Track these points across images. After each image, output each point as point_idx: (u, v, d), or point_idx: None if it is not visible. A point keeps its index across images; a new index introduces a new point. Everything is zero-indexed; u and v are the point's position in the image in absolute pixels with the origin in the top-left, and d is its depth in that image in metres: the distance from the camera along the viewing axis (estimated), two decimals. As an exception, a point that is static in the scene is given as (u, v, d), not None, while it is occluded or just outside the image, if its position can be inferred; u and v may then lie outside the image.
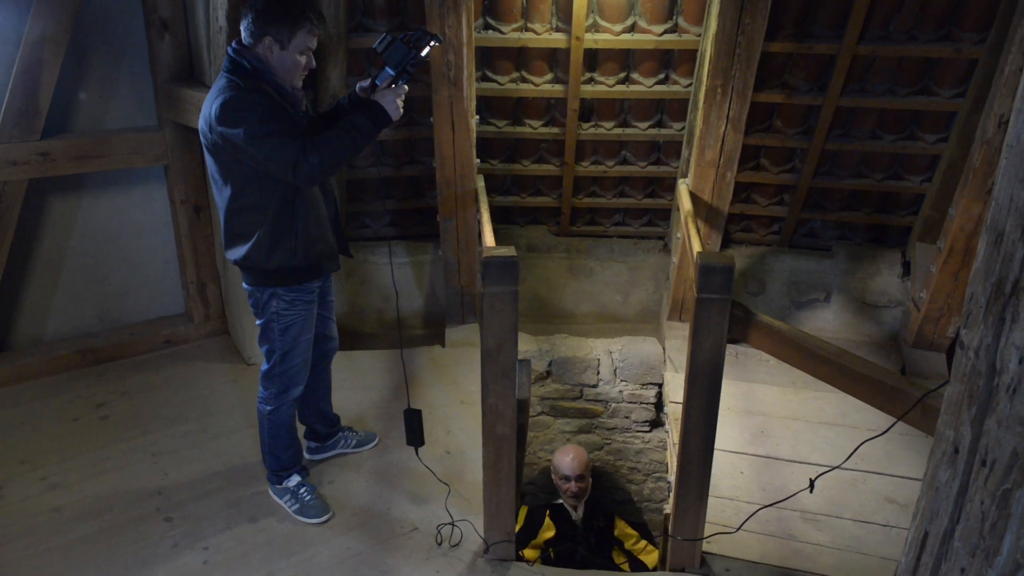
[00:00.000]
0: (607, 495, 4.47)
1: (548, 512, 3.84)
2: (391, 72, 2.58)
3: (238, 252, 2.63)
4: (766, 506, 2.92)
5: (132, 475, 3.15)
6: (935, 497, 1.44)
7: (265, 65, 2.49)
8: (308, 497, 2.95)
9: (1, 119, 3.38)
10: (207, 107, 2.45)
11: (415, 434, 2.92)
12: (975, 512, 1.31)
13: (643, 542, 3.87)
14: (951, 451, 1.37)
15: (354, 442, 3.33)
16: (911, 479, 3.26)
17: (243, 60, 2.47)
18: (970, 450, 1.32)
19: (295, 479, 2.98)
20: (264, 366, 2.84)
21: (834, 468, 2.66)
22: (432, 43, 2.61)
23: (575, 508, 3.84)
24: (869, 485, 3.24)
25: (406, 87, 2.62)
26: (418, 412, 2.91)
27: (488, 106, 4.33)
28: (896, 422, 2.31)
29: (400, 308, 4.61)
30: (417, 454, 2.95)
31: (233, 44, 2.50)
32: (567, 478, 3.79)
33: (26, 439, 3.36)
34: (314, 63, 2.58)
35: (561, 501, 3.87)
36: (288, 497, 2.97)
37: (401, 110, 2.60)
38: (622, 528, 3.89)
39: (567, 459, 3.82)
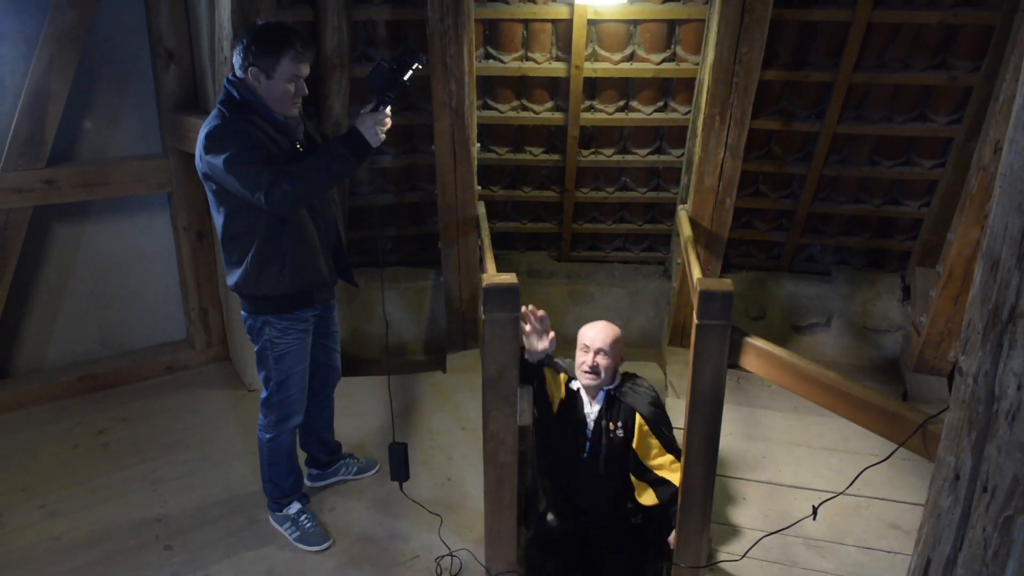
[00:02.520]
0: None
1: (565, 383, 3.02)
2: (373, 97, 2.53)
3: (232, 278, 2.65)
4: (770, 533, 2.90)
5: (132, 503, 3.14)
6: (937, 524, 1.43)
7: (255, 95, 2.50)
8: (308, 524, 2.94)
9: (7, 148, 3.42)
10: (199, 137, 2.50)
11: (399, 469, 2.88)
12: (977, 539, 1.31)
13: (667, 456, 2.93)
14: (952, 477, 1.38)
15: (355, 469, 3.31)
16: (914, 504, 3.24)
17: (234, 91, 2.50)
18: (971, 476, 1.32)
19: (295, 506, 2.97)
20: (263, 393, 2.84)
21: (837, 495, 2.65)
22: (416, 66, 2.52)
23: (591, 397, 2.96)
24: (872, 511, 3.22)
25: (387, 111, 2.52)
26: (403, 446, 2.88)
27: (489, 134, 4.37)
28: (897, 449, 2.31)
29: (401, 334, 4.62)
30: (402, 489, 2.92)
31: (229, 75, 2.54)
32: (586, 348, 2.91)
33: (26, 466, 3.35)
34: (306, 90, 2.57)
35: (577, 386, 2.98)
36: (288, 524, 2.95)
37: (381, 136, 2.51)
38: (643, 438, 2.91)
39: (592, 329, 2.96)
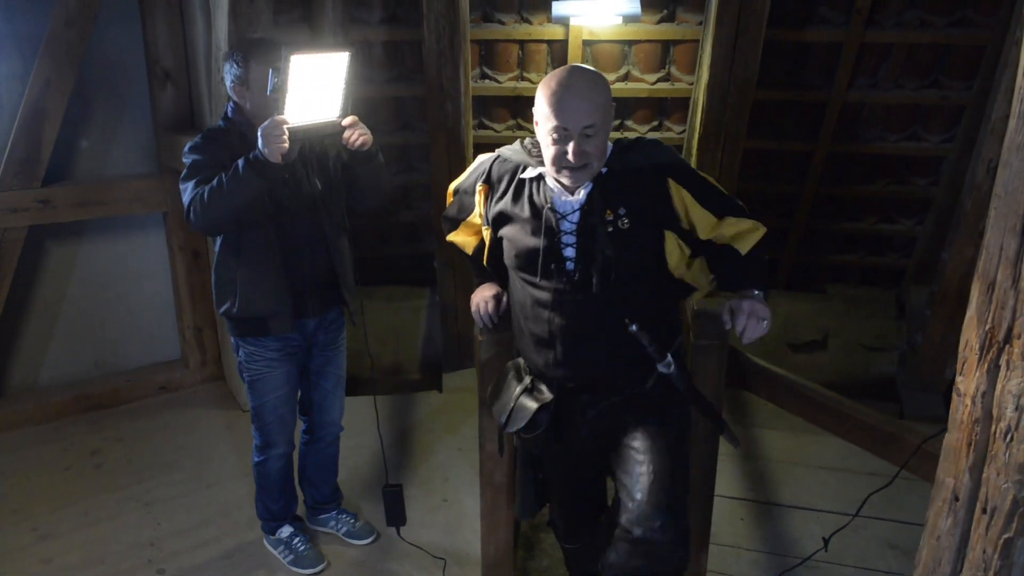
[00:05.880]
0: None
1: (507, 182, 1.98)
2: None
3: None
4: (781, 574, 2.88)
5: (124, 525, 3.11)
6: (936, 546, 1.43)
7: (239, 111, 2.45)
8: (302, 547, 2.90)
9: (3, 167, 3.42)
10: None
11: (395, 513, 2.76)
12: (977, 561, 1.30)
13: (730, 219, 1.90)
14: (951, 499, 1.37)
15: (344, 529, 3.02)
16: (913, 524, 3.22)
17: (228, 110, 2.48)
18: (970, 498, 1.32)
19: (287, 530, 2.92)
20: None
21: (848, 521, 2.62)
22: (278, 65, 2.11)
23: (568, 189, 1.88)
24: (870, 531, 3.20)
25: (283, 118, 2.17)
26: (398, 488, 2.78)
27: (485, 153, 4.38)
28: (900, 471, 2.30)
29: (396, 353, 4.60)
30: (399, 534, 2.83)
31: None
32: (562, 131, 1.79)
33: (18, 487, 3.32)
34: None
35: (536, 172, 1.93)
36: (282, 548, 2.92)
37: (279, 147, 2.17)
38: (686, 211, 1.87)
39: (568, 95, 1.79)
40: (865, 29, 3.64)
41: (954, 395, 1.37)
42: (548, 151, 1.84)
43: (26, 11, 3.36)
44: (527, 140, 2.02)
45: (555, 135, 1.80)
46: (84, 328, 3.94)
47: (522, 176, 1.96)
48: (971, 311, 1.31)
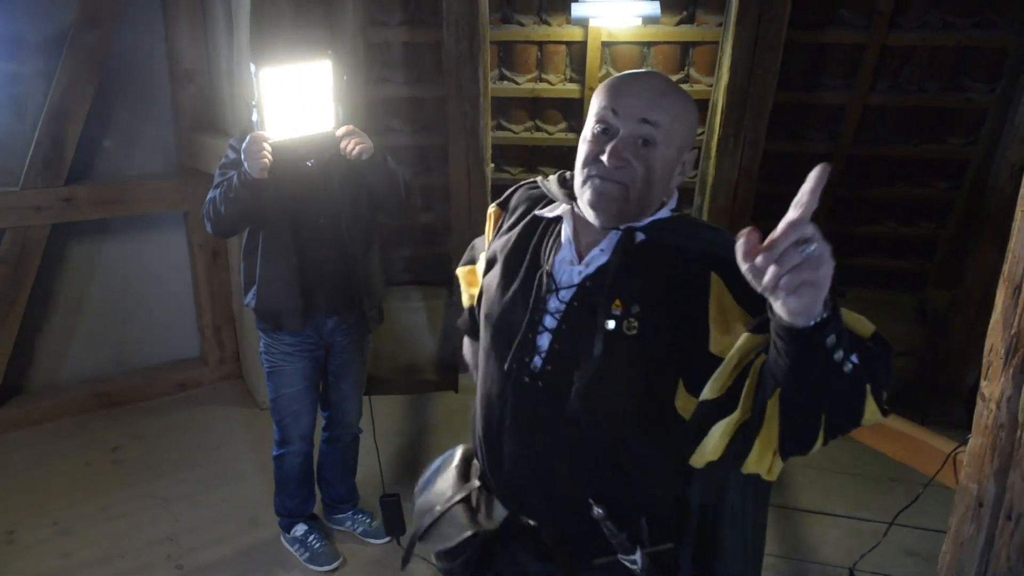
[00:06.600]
0: None
1: (521, 213, 1.49)
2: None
3: None
4: None
5: (143, 521, 3.14)
6: (960, 551, 1.41)
7: None
8: (318, 545, 2.92)
9: (27, 166, 3.46)
10: None
11: (394, 523, 2.76)
12: (1002, 568, 1.28)
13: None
14: (975, 505, 1.35)
15: (361, 529, 3.04)
16: (933, 531, 3.19)
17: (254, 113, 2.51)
18: (994, 504, 1.30)
19: (302, 528, 2.94)
20: None
21: (877, 544, 2.59)
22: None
23: (587, 236, 1.34)
24: (890, 537, 3.16)
25: (262, 133, 2.19)
26: (395, 498, 2.79)
27: (503, 154, 4.39)
28: (930, 482, 2.26)
29: (413, 353, 4.62)
30: (399, 543, 2.83)
31: None
32: (608, 121, 1.25)
33: (39, 482, 3.36)
34: None
35: (554, 212, 1.40)
36: (298, 546, 2.93)
37: (258, 163, 2.18)
38: (721, 316, 1.19)
39: (628, 82, 1.29)
40: (887, 31, 3.60)
41: (979, 400, 1.36)
42: (582, 152, 1.28)
43: (50, 12, 3.40)
44: (569, 172, 1.42)
45: (597, 126, 1.26)
46: (105, 325, 3.98)
47: (539, 212, 1.42)
48: (996, 315, 1.30)
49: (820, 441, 1.06)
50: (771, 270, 0.88)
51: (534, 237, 1.40)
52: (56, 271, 3.78)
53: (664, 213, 1.31)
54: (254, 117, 2.21)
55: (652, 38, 3.88)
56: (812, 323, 0.94)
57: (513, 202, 1.53)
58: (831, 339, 0.96)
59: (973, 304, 3.63)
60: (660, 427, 1.25)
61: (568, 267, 1.32)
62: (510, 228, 1.47)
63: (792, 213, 0.91)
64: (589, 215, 1.27)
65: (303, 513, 2.97)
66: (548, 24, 3.90)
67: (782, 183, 4.41)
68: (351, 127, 2.38)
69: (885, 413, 1.07)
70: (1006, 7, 3.48)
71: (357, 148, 2.36)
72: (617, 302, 1.25)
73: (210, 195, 2.42)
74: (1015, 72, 3.52)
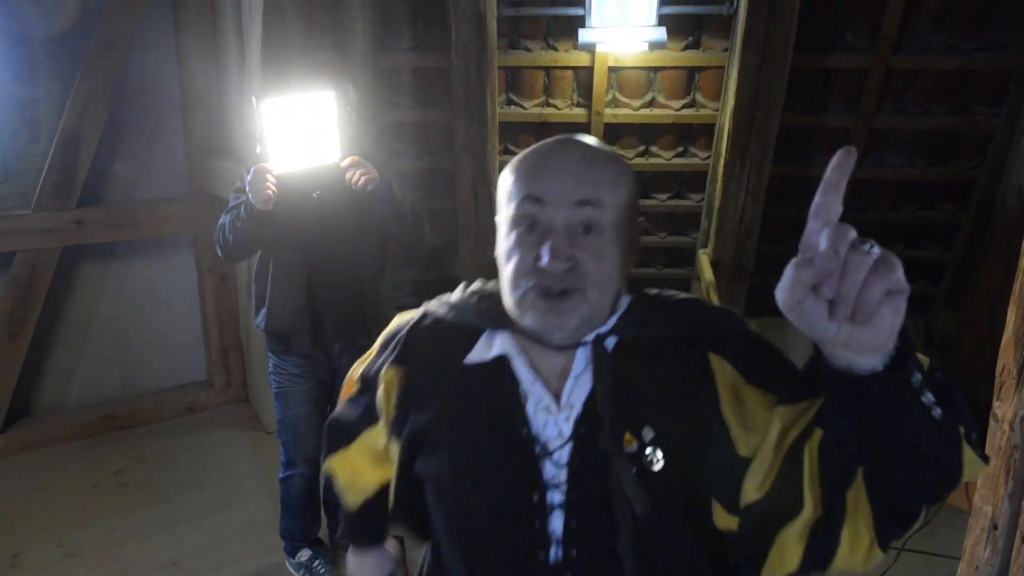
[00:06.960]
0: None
1: (435, 365, 1.11)
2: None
3: None
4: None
5: (148, 544, 3.12)
6: (975, 575, 1.39)
7: None
8: (322, 570, 2.89)
9: (39, 189, 3.49)
10: None
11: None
12: (1018, 592, 1.26)
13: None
14: (990, 527, 1.34)
15: None
16: (946, 557, 3.14)
17: None
18: (1009, 526, 1.28)
19: (307, 552, 2.91)
20: None
21: (894, 562, 2.55)
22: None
23: (549, 368, 1.03)
24: (902, 563, 3.12)
25: (265, 166, 2.22)
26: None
27: (509, 177, 4.41)
28: (941, 505, 2.23)
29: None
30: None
31: None
32: (532, 214, 0.97)
33: (45, 505, 3.35)
34: None
35: (499, 351, 1.05)
36: (303, 571, 2.90)
37: (262, 194, 2.22)
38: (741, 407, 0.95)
39: (553, 158, 1.00)
40: (892, 54, 3.63)
41: (991, 421, 1.35)
42: (508, 261, 1.00)
43: (64, 37, 3.45)
44: (472, 287, 1.19)
45: (520, 224, 0.98)
46: (113, 348, 3.98)
47: (469, 361, 1.07)
48: (1008, 335, 1.29)
49: (922, 517, 0.83)
50: (847, 284, 0.64)
51: (475, 392, 1.05)
52: (65, 293, 3.80)
53: (624, 303, 1.05)
54: (258, 149, 2.24)
55: (658, 63, 3.91)
56: (889, 360, 0.71)
57: (413, 354, 1.14)
58: (916, 378, 0.73)
59: (981, 325, 3.61)
60: (723, 562, 0.99)
61: (548, 416, 1.00)
62: (433, 387, 1.09)
63: (823, 198, 0.71)
64: (538, 325, 0.98)
65: (308, 537, 2.95)
66: (555, 49, 3.93)
67: (788, 207, 4.43)
68: (356, 158, 2.36)
69: (987, 460, 0.87)
70: (1011, 28, 3.50)
71: (363, 180, 2.36)
72: (627, 436, 0.96)
73: (222, 220, 2.46)
74: (1020, 94, 3.54)
